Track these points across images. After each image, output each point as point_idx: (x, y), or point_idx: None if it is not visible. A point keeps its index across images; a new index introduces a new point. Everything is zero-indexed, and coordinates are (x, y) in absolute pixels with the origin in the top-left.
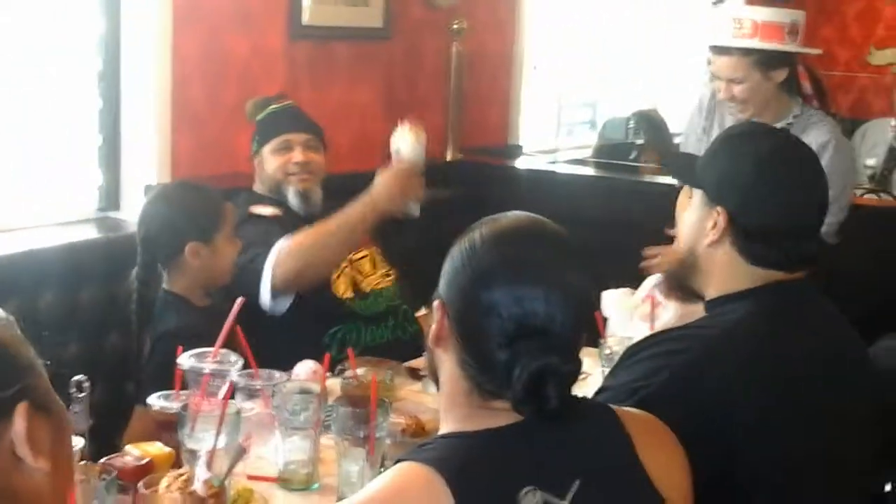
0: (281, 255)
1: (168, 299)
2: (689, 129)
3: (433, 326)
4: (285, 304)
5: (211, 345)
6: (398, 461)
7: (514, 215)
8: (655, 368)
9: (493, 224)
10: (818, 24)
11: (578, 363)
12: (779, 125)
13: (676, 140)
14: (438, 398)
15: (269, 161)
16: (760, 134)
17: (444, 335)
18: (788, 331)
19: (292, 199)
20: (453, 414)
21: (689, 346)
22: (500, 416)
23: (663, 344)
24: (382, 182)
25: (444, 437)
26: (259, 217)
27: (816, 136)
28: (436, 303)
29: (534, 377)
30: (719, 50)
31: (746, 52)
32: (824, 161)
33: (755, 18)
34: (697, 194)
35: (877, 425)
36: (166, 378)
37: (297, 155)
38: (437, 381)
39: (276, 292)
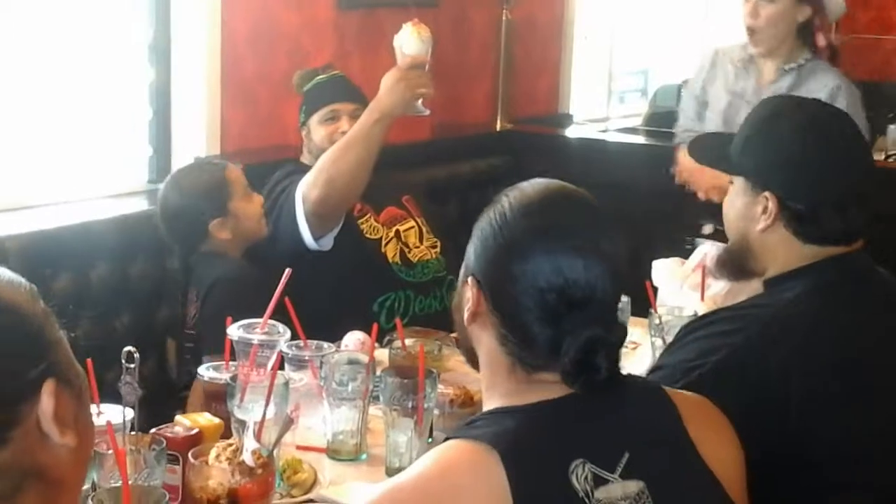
0: (307, 182)
1: (205, 258)
2: (691, 86)
3: (468, 304)
4: (329, 240)
5: (256, 290)
6: (446, 439)
7: (541, 182)
8: (711, 348)
9: (520, 193)
10: None
11: (623, 330)
12: (787, 67)
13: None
14: (480, 375)
15: (317, 131)
16: (791, 110)
17: (481, 311)
18: (846, 305)
19: None
20: (497, 390)
21: (744, 325)
22: (547, 389)
23: (719, 324)
24: (386, 82)
25: (490, 413)
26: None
27: (826, 79)
28: (469, 279)
29: (582, 350)
30: None
31: None
32: (840, 104)
33: None
34: (738, 180)
35: None
36: (222, 328)
37: (344, 124)
38: (472, 359)
39: (312, 223)
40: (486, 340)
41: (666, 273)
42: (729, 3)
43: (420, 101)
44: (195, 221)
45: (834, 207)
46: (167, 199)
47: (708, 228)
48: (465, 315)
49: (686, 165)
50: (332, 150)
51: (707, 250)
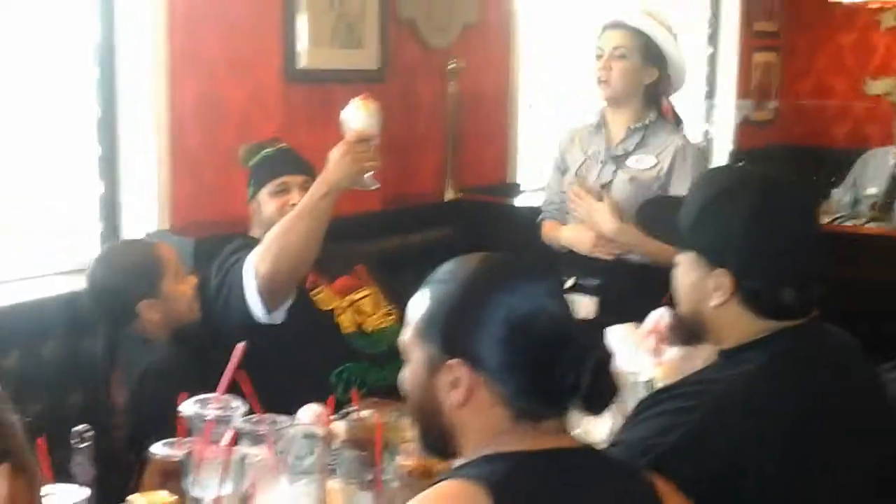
0: (256, 255)
1: (132, 341)
2: (553, 163)
3: (457, 389)
4: (281, 313)
5: (188, 377)
6: (438, 480)
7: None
8: (668, 427)
9: (454, 263)
10: (813, 55)
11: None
12: (634, 126)
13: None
14: (464, 445)
15: (267, 203)
16: (740, 186)
17: (473, 391)
18: (803, 375)
19: None
20: (491, 440)
21: (700, 402)
22: (545, 438)
23: (676, 400)
24: (333, 156)
25: (485, 457)
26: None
27: (672, 139)
28: (451, 363)
29: (593, 373)
30: (614, 25)
31: (633, 29)
32: (688, 163)
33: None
34: (688, 256)
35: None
36: (161, 414)
37: (295, 196)
38: (436, 443)
39: (263, 296)
40: (481, 413)
41: (620, 338)
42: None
43: (368, 175)
44: (124, 301)
45: (792, 285)
46: (95, 275)
47: (569, 282)
48: (454, 401)
49: (565, 235)
50: (280, 224)
51: (660, 315)
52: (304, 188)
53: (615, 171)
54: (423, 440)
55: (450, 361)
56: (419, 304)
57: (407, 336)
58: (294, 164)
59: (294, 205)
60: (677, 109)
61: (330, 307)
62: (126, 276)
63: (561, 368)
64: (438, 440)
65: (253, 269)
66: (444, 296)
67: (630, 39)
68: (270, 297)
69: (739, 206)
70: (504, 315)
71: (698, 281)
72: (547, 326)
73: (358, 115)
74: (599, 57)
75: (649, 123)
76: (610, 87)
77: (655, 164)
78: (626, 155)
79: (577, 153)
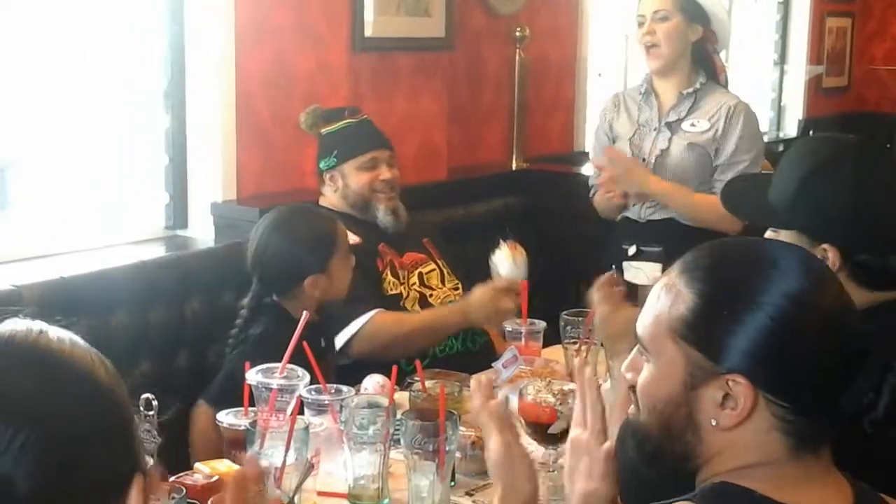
0: (366, 332)
1: (270, 308)
2: (599, 129)
3: (735, 409)
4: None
5: (294, 357)
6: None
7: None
8: None
9: (738, 254)
10: (888, 20)
11: None
12: (685, 91)
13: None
14: (710, 468)
15: (354, 177)
16: (842, 156)
17: (752, 412)
18: None
19: (383, 217)
20: (756, 472)
21: None
22: (805, 481)
23: None
24: (478, 297)
25: (729, 486)
26: None
27: (724, 99)
28: (730, 378)
29: (891, 400)
30: None
31: None
32: (739, 123)
33: None
34: (787, 234)
35: None
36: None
37: (385, 172)
38: (660, 464)
39: (351, 347)
40: (751, 437)
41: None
42: (739, 46)
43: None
44: (294, 272)
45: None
46: (269, 239)
47: (632, 250)
48: (728, 422)
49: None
50: (404, 328)
51: None
52: (390, 164)
53: (671, 139)
54: (648, 454)
55: (728, 376)
56: (671, 295)
57: (648, 330)
58: (380, 138)
59: (384, 180)
60: (743, 74)
61: (395, 292)
62: (303, 247)
63: (857, 382)
64: (674, 456)
65: (354, 341)
66: (716, 295)
67: (670, 1)
68: (355, 357)
69: (840, 178)
70: (787, 322)
71: None
72: (841, 334)
73: (506, 265)
74: (642, 24)
75: (700, 87)
76: (659, 51)
77: (710, 128)
78: (680, 121)
79: (625, 122)
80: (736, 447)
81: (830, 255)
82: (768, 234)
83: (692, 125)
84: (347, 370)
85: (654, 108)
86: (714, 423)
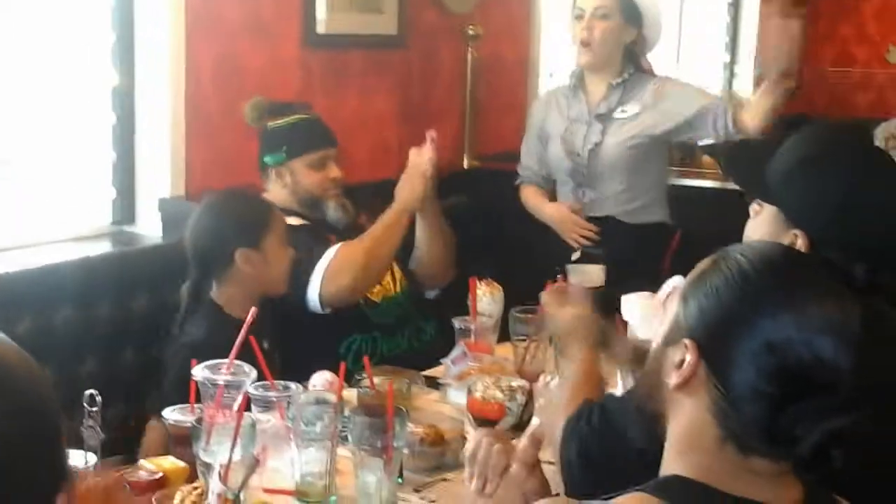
0: (333, 269)
1: (208, 310)
2: (530, 128)
3: (681, 369)
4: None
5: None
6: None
7: (771, 245)
8: None
9: (753, 251)
10: (836, 23)
11: (869, 421)
12: (615, 82)
13: None
14: (669, 435)
15: (305, 175)
16: (845, 152)
17: (694, 380)
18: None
19: (332, 213)
20: (692, 458)
21: None
22: (756, 482)
23: None
24: (400, 183)
25: (684, 480)
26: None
27: (649, 82)
28: (685, 342)
29: (822, 444)
30: None
31: None
32: (674, 87)
33: None
34: (770, 209)
35: None
36: (186, 390)
37: (335, 171)
38: (653, 417)
39: (323, 300)
40: (691, 410)
41: (636, 307)
42: (698, 47)
43: None
44: (223, 244)
45: (866, 261)
46: (199, 220)
47: (575, 254)
48: (673, 381)
49: (548, 212)
50: (364, 246)
51: (675, 283)
52: (338, 162)
53: (603, 132)
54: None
55: (686, 339)
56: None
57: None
58: (330, 136)
59: (334, 178)
60: (692, 76)
61: None
62: (231, 221)
63: (786, 416)
64: (651, 415)
65: (320, 286)
66: (715, 306)
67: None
68: (334, 303)
69: (839, 172)
70: (766, 337)
71: (771, 236)
72: (805, 362)
73: (485, 301)
74: (579, 17)
75: (628, 77)
76: (591, 50)
77: (641, 110)
78: (611, 111)
79: (556, 119)
80: (679, 420)
81: (800, 241)
82: (752, 207)
83: (622, 111)
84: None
85: (583, 102)
86: (668, 382)
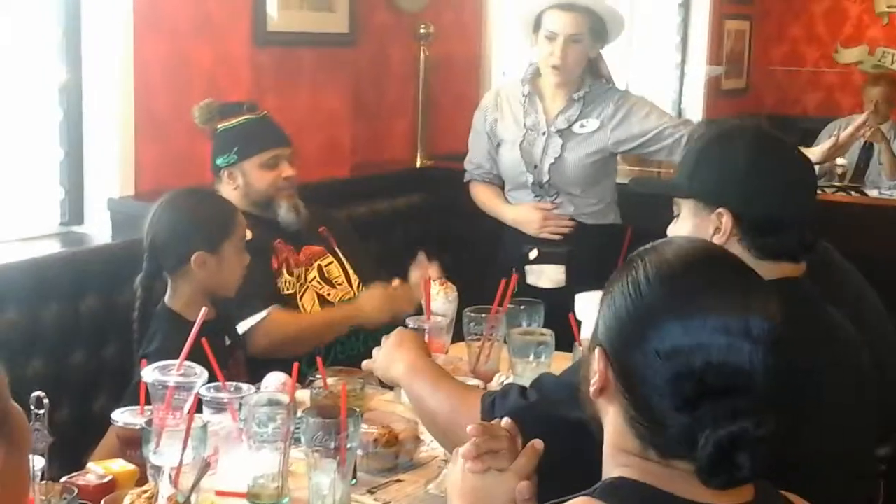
0: (262, 329)
1: (163, 317)
2: (478, 125)
3: (595, 377)
4: None
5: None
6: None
7: (683, 245)
8: None
9: (658, 258)
10: (786, 23)
11: (772, 423)
12: (576, 95)
13: None
14: (605, 437)
15: (257, 175)
16: (741, 131)
17: (608, 386)
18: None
19: (285, 214)
20: (626, 460)
21: None
22: (685, 481)
23: None
24: (370, 296)
25: (631, 482)
26: None
27: (609, 95)
28: (597, 350)
29: (721, 448)
30: (569, 6)
31: (587, 11)
32: (636, 107)
33: None
34: (688, 204)
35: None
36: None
37: (287, 170)
38: (593, 419)
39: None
40: (613, 416)
41: (589, 305)
42: (648, 49)
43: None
44: (179, 244)
45: (791, 222)
46: (160, 218)
47: (533, 253)
48: (592, 389)
49: (511, 216)
50: (300, 328)
51: None
52: (290, 161)
53: (563, 147)
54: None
55: (597, 347)
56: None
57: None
58: (281, 135)
59: (287, 178)
60: (644, 76)
61: (290, 292)
62: (195, 221)
63: (688, 420)
64: (594, 418)
65: (253, 336)
66: (615, 316)
67: (584, 23)
68: (254, 351)
69: (737, 146)
70: (670, 342)
71: (698, 224)
72: (697, 368)
73: (439, 300)
74: (552, 39)
75: (589, 89)
76: (563, 72)
77: (599, 126)
78: (570, 126)
79: (510, 126)
80: (607, 426)
81: (724, 219)
82: (674, 210)
83: (582, 126)
84: (254, 365)
85: (541, 112)
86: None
